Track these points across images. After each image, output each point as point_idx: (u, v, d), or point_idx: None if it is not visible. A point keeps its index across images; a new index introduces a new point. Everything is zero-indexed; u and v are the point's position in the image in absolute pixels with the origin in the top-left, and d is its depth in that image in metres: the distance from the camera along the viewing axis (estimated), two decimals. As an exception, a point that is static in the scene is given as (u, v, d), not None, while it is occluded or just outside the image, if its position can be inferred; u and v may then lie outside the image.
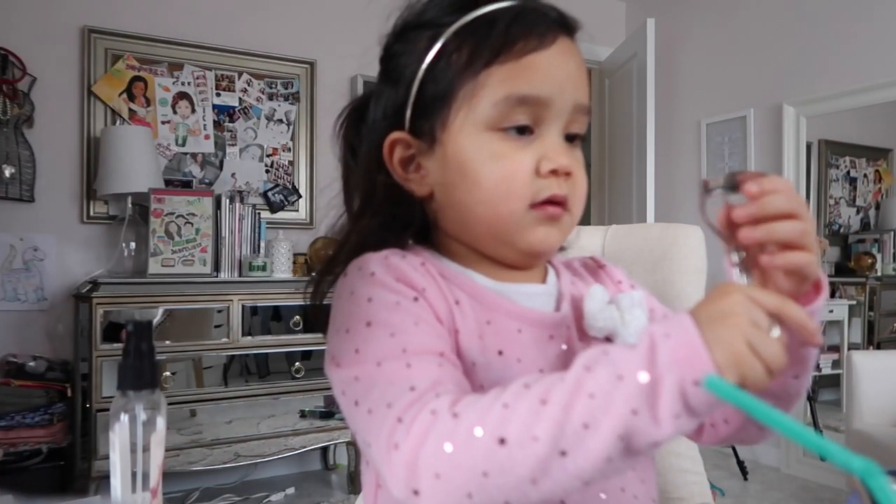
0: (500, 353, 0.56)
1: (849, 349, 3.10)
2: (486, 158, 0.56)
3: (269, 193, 2.96)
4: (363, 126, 0.65)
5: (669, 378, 0.40)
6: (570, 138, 0.59)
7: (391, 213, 0.62)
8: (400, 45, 0.61)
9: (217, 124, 2.88)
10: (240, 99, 2.93)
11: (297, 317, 2.60)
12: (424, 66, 0.58)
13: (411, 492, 0.44)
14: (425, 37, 0.58)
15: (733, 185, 0.48)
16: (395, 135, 0.60)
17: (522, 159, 0.56)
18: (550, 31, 0.57)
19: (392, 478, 0.45)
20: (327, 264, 0.63)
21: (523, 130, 0.56)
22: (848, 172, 3.31)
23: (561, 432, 0.41)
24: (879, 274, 3.23)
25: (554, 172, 0.56)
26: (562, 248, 0.73)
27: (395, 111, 0.60)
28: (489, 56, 0.55)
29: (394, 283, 0.55)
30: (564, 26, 0.59)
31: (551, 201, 0.57)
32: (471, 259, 0.61)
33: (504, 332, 0.57)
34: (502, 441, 0.42)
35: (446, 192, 0.60)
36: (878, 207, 3.35)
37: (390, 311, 0.53)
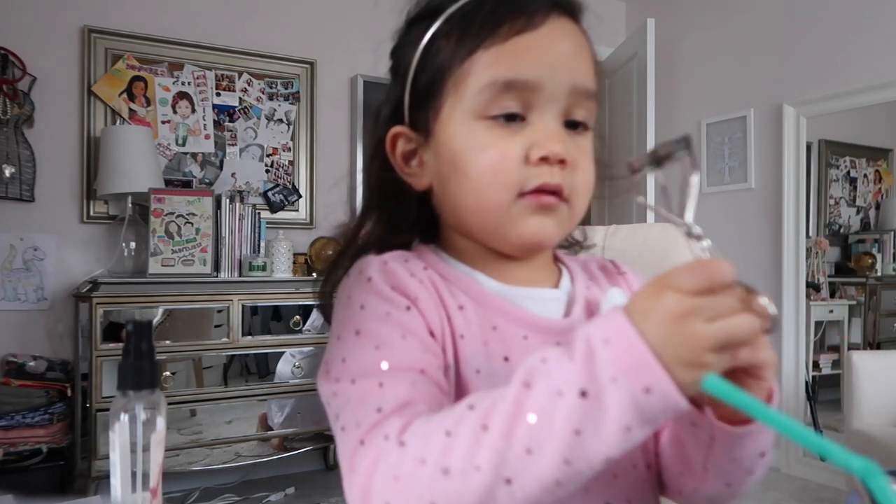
0: (506, 359, 0.55)
1: (849, 349, 3.11)
2: (473, 148, 0.54)
3: (269, 193, 2.96)
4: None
5: (615, 391, 0.38)
6: (573, 125, 0.56)
7: (392, 209, 0.61)
8: (404, 38, 0.60)
9: (217, 124, 2.88)
10: (240, 99, 2.93)
11: (297, 317, 2.60)
12: (417, 55, 0.57)
13: None
14: (423, 26, 0.57)
15: (657, 161, 0.46)
16: (396, 129, 0.59)
17: (510, 147, 0.53)
18: (541, 11, 0.54)
19: (350, 501, 0.46)
20: (332, 263, 0.62)
21: (513, 118, 0.54)
22: (848, 172, 3.31)
23: (503, 461, 0.39)
24: (879, 274, 3.24)
25: (545, 160, 0.53)
26: (586, 248, 0.71)
27: (398, 104, 0.60)
28: (474, 41, 0.53)
29: (388, 291, 0.53)
30: (560, 6, 0.55)
31: (542, 190, 0.53)
32: (476, 257, 0.60)
33: (510, 338, 0.56)
34: (446, 471, 0.41)
35: (441, 184, 0.58)
36: (878, 207, 3.36)
37: (380, 321, 0.52)
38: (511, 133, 0.54)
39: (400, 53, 0.60)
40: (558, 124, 0.55)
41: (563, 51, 0.54)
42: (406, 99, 0.59)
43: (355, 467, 0.46)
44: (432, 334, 0.53)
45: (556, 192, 0.54)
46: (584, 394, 0.38)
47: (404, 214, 0.61)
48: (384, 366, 0.50)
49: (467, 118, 0.55)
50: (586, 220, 0.65)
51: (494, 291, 0.58)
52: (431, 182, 0.60)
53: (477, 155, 0.54)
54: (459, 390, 0.54)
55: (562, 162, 0.53)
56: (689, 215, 0.44)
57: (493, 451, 0.40)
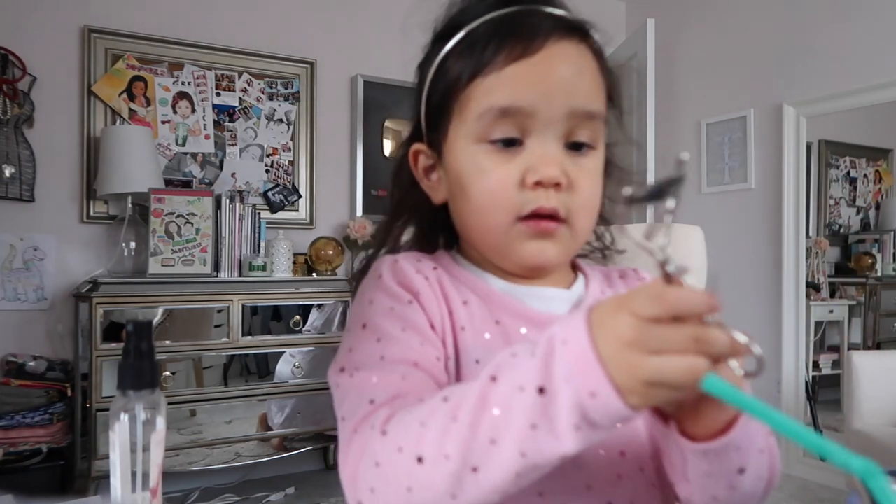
0: None
1: (849, 349, 3.11)
2: (474, 171, 0.57)
3: (269, 193, 2.96)
4: None
5: (566, 390, 0.39)
6: (577, 146, 0.57)
7: (421, 220, 0.65)
8: (426, 62, 0.62)
9: (217, 124, 2.88)
10: (240, 99, 2.93)
11: (297, 317, 2.60)
12: (429, 78, 0.59)
13: (356, 503, 0.48)
14: (439, 45, 0.59)
15: (656, 195, 0.43)
16: (417, 145, 0.63)
17: (506, 172, 0.55)
18: (540, 36, 0.54)
19: (344, 486, 0.49)
20: (363, 268, 0.65)
21: (512, 142, 0.55)
22: (848, 172, 3.31)
23: (469, 450, 0.42)
24: (879, 274, 3.24)
25: (539, 184, 0.54)
26: (617, 251, 0.72)
27: (418, 121, 0.63)
28: (475, 67, 0.55)
29: (395, 287, 0.57)
30: (562, 28, 0.56)
31: (538, 214, 0.55)
32: (488, 264, 0.63)
33: (511, 332, 0.58)
34: (420, 459, 0.43)
35: (452, 201, 0.62)
36: (878, 207, 3.35)
37: (383, 316, 0.56)
38: (509, 158, 0.55)
39: (422, 70, 0.62)
40: (557, 147, 0.56)
41: (559, 75, 0.55)
42: (422, 119, 0.62)
43: (347, 454, 0.49)
44: (433, 327, 0.56)
45: (553, 216, 0.55)
46: (541, 390, 0.40)
47: (429, 224, 0.66)
48: (381, 358, 0.53)
49: (469, 141, 0.57)
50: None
51: (500, 289, 0.61)
52: (447, 197, 0.63)
53: (477, 178, 0.57)
54: (460, 380, 0.57)
55: (557, 185, 0.55)
56: (661, 242, 0.41)
57: (460, 440, 0.42)
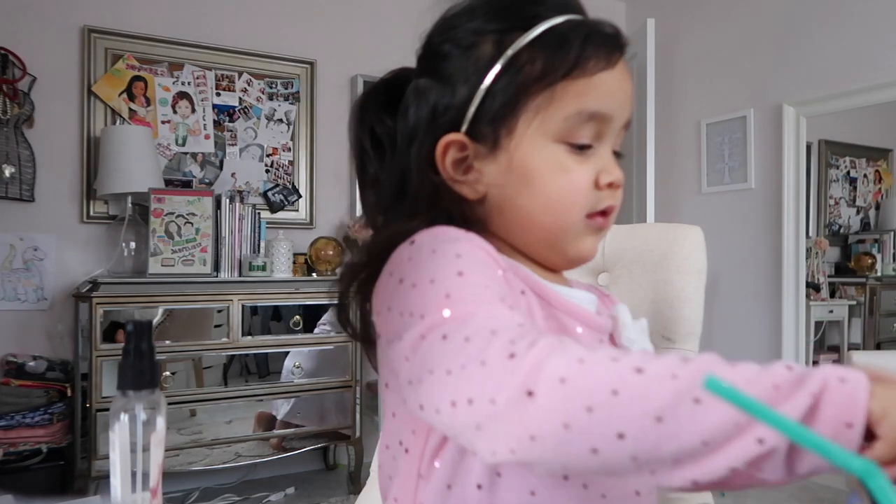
0: None
1: (849, 349, 3.11)
2: (553, 170, 0.58)
3: (269, 193, 2.96)
4: (400, 119, 0.62)
5: (828, 408, 0.37)
6: (615, 155, 0.62)
7: (434, 214, 0.60)
8: (452, 47, 0.60)
9: (217, 124, 2.88)
10: (240, 99, 2.93)
11: (297, 317, 2.60)
12: (494, 73, 0.57)
13: (524, 392, 0.40)
14: (488, 42, 0.58)
15: None
16: (452, 136, 0.59)
17: (585, 173, 0.59)
18: (616, 52, 0.59)
19: (496, 383, 0.41)
20: (357, 264, 0.61)
21: (584, 145, 0.59)
22: (848, 172, 3.31)
23: (700, 380, 0.37)
24: (879, 274, 3.24)
25: (610, 185, 0.59)
26: None
27: (449, 113, 0.59)
28: (565, 70, 0.56)
29: (481, 253, 0.53)
30: (622, 46, 0.60)
31: (604, 212, 0.60)
32: (516, 259, 0.62)
33: (566, 329, 0.59)
34: (639, 370, 0.40)
35: (505, 196, 0.60)
36: (878, 207, 3.36)
37: (483, 266, 0.51)
38: (583, 159, 0.59)
39: (456, 64, 0.60)
40: (611, 153, 0.61)
41: (628, 89, 0.61)
42: (471, 110, 0.58)
43: (514, 353, 0.42)
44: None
45: (610, 213, 0.62)
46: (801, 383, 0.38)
47: (443, 219, 0.61)
48: (501, 298, 0.48)
49: (547, 140, 0.58)
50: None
51: (547, 285, 0.61)
52: (486, 192, 0.60)
53: (557, 176, 0.58)
54: None
55: (618, 186, 0.61)
56: None
57: (692, 369, 0.39)
